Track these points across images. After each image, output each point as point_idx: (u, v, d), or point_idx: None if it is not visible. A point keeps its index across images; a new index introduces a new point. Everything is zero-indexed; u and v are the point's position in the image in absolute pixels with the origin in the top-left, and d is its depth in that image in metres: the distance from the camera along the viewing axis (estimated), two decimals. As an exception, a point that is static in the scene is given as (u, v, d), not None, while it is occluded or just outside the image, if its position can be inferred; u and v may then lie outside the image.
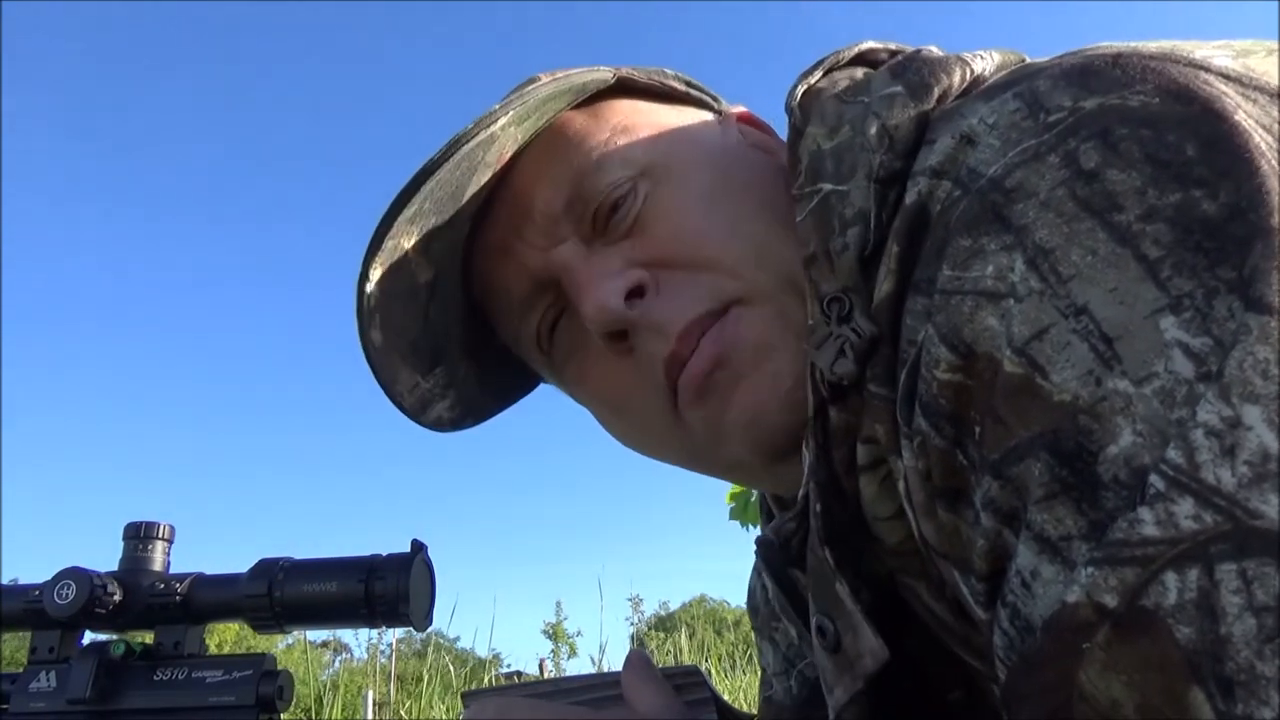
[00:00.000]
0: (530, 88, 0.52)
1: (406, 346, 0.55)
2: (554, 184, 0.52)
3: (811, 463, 0.43)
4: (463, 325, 0.58)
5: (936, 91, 0.41)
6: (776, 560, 0.50)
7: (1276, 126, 0.30)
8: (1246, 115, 0.30)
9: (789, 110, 0.47)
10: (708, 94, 0.61)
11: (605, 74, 0.53)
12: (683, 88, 0.59)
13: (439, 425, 0.61)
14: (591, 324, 0.49)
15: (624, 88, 0.55)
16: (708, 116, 0.59)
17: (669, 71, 0.60)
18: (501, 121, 0.49)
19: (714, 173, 0.52)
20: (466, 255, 0.55)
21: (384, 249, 0.50)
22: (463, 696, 0.56)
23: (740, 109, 0.61)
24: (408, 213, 0.49)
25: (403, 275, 0.52)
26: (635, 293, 0.48)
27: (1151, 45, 0.35)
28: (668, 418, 0.51)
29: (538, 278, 0.53)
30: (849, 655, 0.42)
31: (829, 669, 0.44)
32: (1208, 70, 0.32)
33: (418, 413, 0.59)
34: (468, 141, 0.48)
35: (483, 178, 0.51)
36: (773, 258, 0.48)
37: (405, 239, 0.50)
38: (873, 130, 0.41)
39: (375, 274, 0.50)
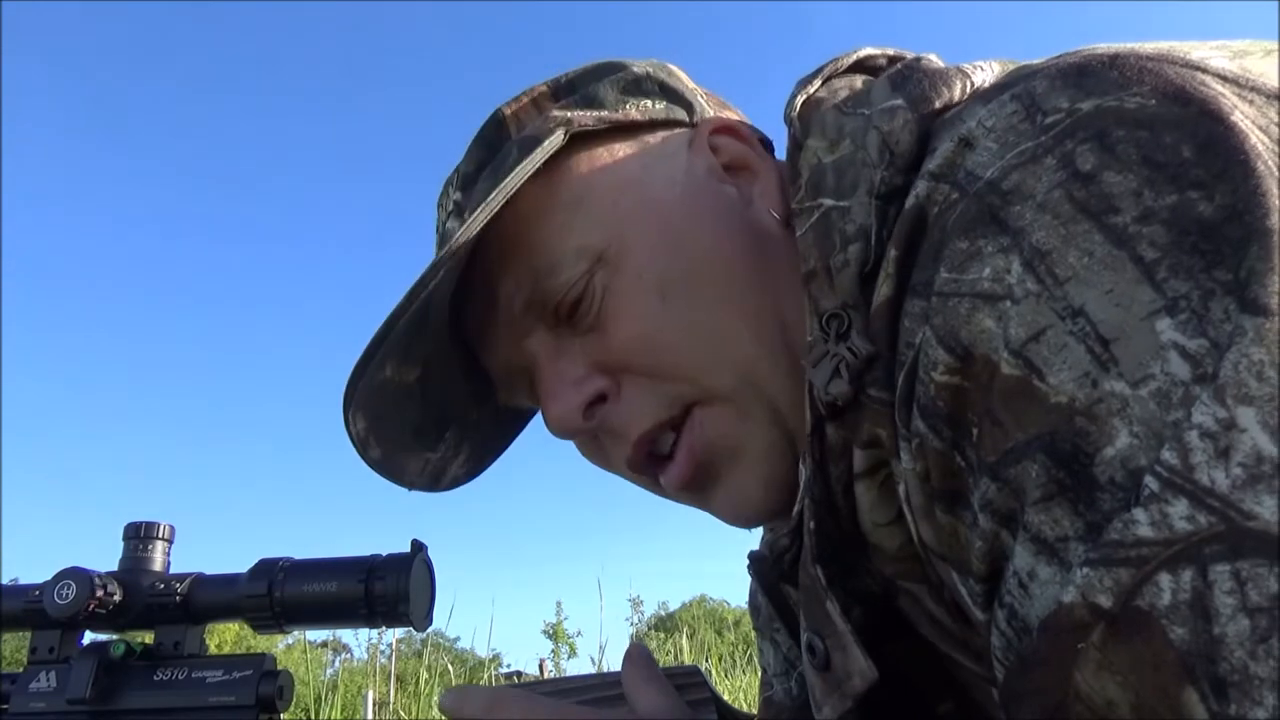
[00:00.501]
0: (483, 176, 0.53)
1: (409, 438, 0.57)
2: (514, 280, 0.52)
3: (807, 479, 0.43)
4: (464, 380, 0.58)
5: (938, 105, 0.41)
6: (768, 575, 0.50)
7: (1273, 128, 0.30)
8: (1243, 116, 0.30)
9: (788, 121, 0.47)
10: (681, 99, 0.56)
11: (555, 139, 0.50)
12: (642, 116, 0.54)
13: (454, 485, 0.62)
14: (554, 433, 0.52)
15: (578, 137, 0.52)
16: (673, 141, 0.55)
17: (636, 71, 0.56)
18: (452, 224, 0.53)
19: (667, 255, 0.49)
20: (455, 318, 0.55)
21: (359, 389, 0.50)
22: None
23: (715, 118, 0.57)
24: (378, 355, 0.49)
25: (386, 394, 0.53)
26: (597, 400, 0.50)
27: (1148, 46, 0.35)
28: (651, 487, 0.54)
29: (514, 363, 0.54)
30: (838, 674, 0.42)
31: (818, 686, 0.44)
32: (1205, 71, 0.32)
33: (432, 486, 0.61)
34: (424, 287, 0.47)
35: (447, 279, 0.49)
36: (729, 354, 0.48)
37: (378, 371, 0.51)
38: (874, 145, 0.41)
39: (357, 413, 0.52)
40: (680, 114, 0.56)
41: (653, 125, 0.55)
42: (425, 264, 0.48)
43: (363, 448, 0.54)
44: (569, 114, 0.53)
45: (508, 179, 0.48)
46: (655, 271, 0.49)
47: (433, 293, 0.48)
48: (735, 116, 0.60)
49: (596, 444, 0.54)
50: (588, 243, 0.50)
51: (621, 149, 0.53)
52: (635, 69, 0.56)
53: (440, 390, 0.56)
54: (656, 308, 0.48)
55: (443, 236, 0.57)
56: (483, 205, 0.47)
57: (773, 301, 0.49)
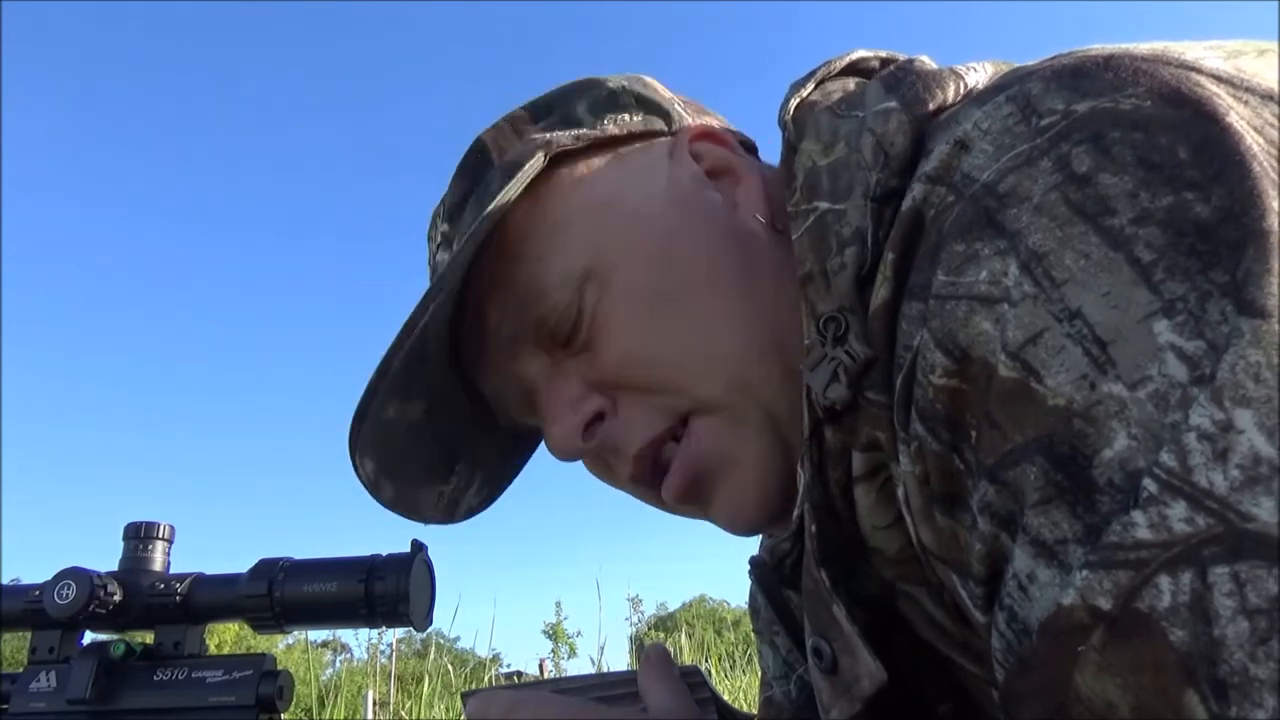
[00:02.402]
0: (469, 205, 0.54)
1: (421, 472, 0.58)
2: (504, 307, 0.52)
3: (807, 483, 0.43)
4: (469, 409, 0.58)
5: (931, 107, 0.41)
6: (770, 581, 0.50)
7: (1268, 128, 0.30)
8: (1239, 117, 0.30)
9: (782, 125, 0.47)
10: (658, 109, 0.56)
11: (536, 162, 0.51)
12: (620, 131, 0.54)
13: (469, 514, 0.63)
14: (557, 456, 0.53)
15: (558, 157, 0.53)
16: (654, 152, 0.55)
17: (611, 86, 0.56)
18: (440, 255, 0.54)
19: (654, 267, 0.50)
20: (454, 347, 0.55)
21: (361, 436, 0.51)
22: (462, 696, 0.56)
23: (694, 124, 0.56)
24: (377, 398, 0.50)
25: (393, 432, 0.53)
26: (595, 419, 0.51)
27: (1143, 47, 0.35)
28: (654, 500, 0.55)
29: (513, 388, 0.55)
30: (846, 678, 0.42)
31: (825, 690, 0.44)
32: (1199, 72, 0.32)
33: (448, 518, 0.61)
34: (415, 325, 0.48)
35: (438, 314, 0.50)
36: (720, 363, 0.48)
37: (381, 413, 0.51)
38: (868, 147, 0.41)
39: (363, 458, 0.53)
40: (658, 124, 0.56)
41: (631, 138, 0.55)
42: (418, 296, 0.49)
43: (374, 489, 0.55)
44: (548, 135, 0.53)
45: (490, 207, 0.48)
46: (642, 287, 0.49)
47: (428, 327, 0.49)
48: (715, 121, 0.59)
49: (602, 462, 0.54)
50: (573, 265, 0.50)
51: (602, 166, 0.54)
52: (610, 84, 0.56)
53: (447, 422, 0.57)
54: (645, 323, 0.49)
55: (434, 269, 0.58)
56: (468, 236, 0.48)
57: (761, 306, 0.49)
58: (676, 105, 0.57)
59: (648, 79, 0.59)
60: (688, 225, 0.51)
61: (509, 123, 0.56)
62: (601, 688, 0.55)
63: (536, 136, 0.54)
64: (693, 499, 0.52)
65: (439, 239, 0.57)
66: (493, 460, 0.62)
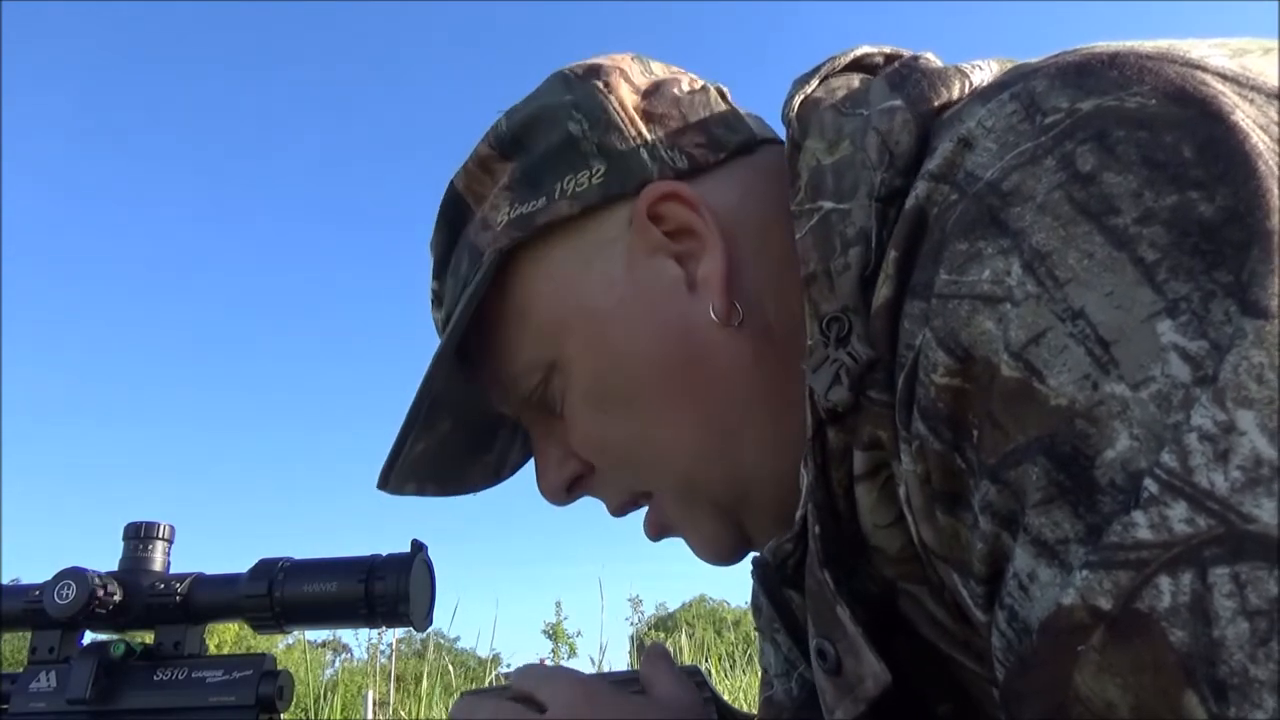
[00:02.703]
0: (449, 270, 0.56)
1: (460, 462, 0.62)
2: (490, 379, 0.56)
3: (810, 483, 0.43)
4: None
5: (936, 105, 0.41)
6: (772, 581, 0.51)
7: (1274, 126, 0.29)
8: (1244, 116, 0.29)
9: (786, 122, 0.47)
10: (620, 161, 0.51)
11: (488, 262, 0.51)
12: (572, 209, 0.50)
13: (514, 470, 0.66)
14: (546, 500, 0.57)
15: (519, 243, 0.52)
16: (612, 224, 0.51)
17: (572, 131, 0.51)
18: (437, 317, 0.59)
19: (606, 367, 0.50)
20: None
21: (392, 479, 0.56)
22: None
23: (656, 186, 0.50)
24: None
25: (424, 458, 0.57)
26: (576, 479, 0.56)
27: (1148, 45, 0.35)
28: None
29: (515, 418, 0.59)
30: (850, 679, 0.42)
31: (829, 691, 0.44)
32: (1205, 70, 0.32)
33: (495, 480, 0.65)
34: (412, 425, 0.54)
35: (443, 376, 0.53)
36: (667, 459, 0.51)
37: (412, 448, 0.55)
38: (873, 146, 0.41)
39: (405, 484, 0.58)
40: (615, 187, 0.50)
41: (586, 214, 0.51)
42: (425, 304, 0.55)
43: (418, 494, 0.60)
44: (504, 214, 0.52)
45: (455, 315, 0.51)
46: (593, 387, 0.51)
47: (433, 396, 0.53)
48: (695, 133, 0.53)
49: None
50: (536, 357, 0.53)
51: (559, 246, 0.52)
52: (570, 126, 0.51)
53: (478, 414, 0.59)
54: (599, 419, 0.52)
55: (434, 320, 0.61)
56: (444, 335, 0.52)
57: (708, 408, 0.49)
58: (641, 141, 0.51)
59: (611, 102, 0.52)
60: (639, 323, 0.50)
61: (477, 164, 0.55)
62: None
63: (497, 210, 0.53)
64: (670, 535, 0.56)
65: (431, 294, 0.60)
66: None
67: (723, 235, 0.49)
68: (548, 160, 0.52)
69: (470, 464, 0.63)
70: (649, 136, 0.51)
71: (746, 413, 0.49)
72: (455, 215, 0.56)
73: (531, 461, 0.62)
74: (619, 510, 0.57)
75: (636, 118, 0.52)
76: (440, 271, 0.57)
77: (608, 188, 0.50)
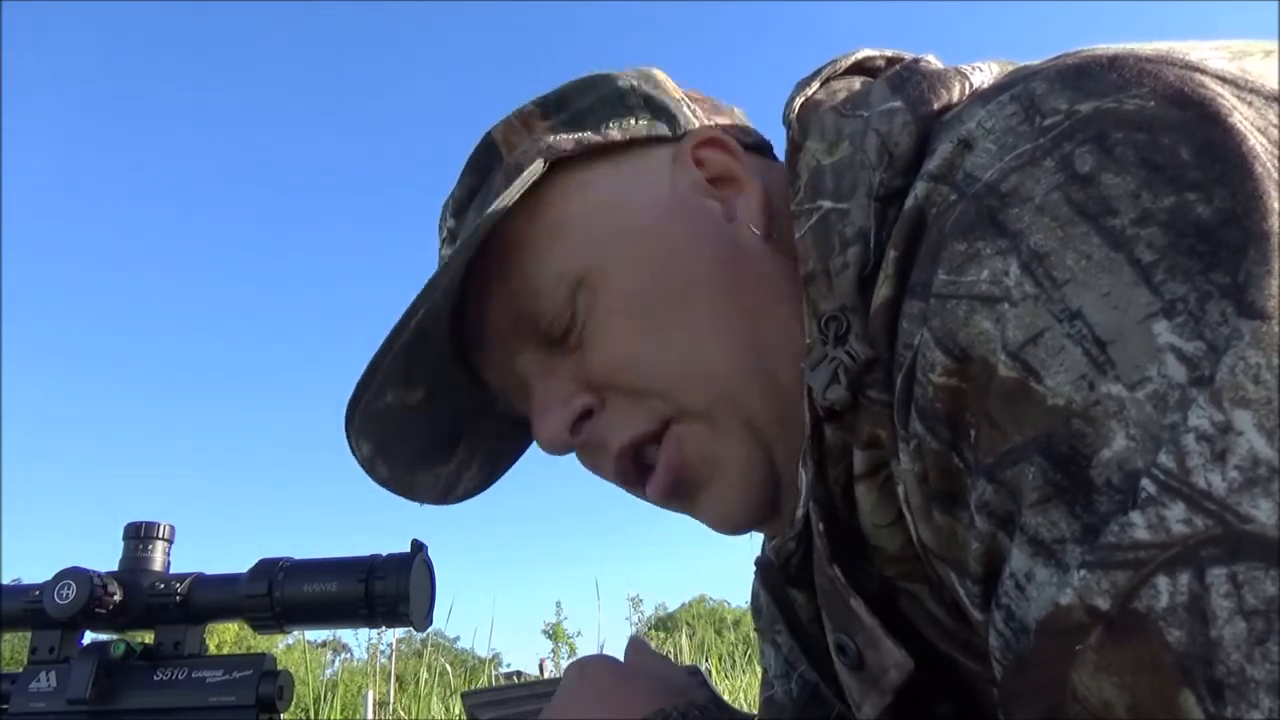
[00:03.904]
0: (473, 205, 0.55)
1: (416, 457, 0.59)
2: (500, 307, 0.54)
3: (810, 482, 0.43)
4: (470, 394, 0.59)
5: (936, 107, 0.41)
6: (775, 581, 0.51)
7: (1272, 129, 0.30)
8: (1243, 118, 0.30)
9: (786, 123, 0.47)
10: (665, 112, 0.56)
11: (535, 167, 0.51)
12: (622, 136, 0.54)
13: (466, 496, 0.63)
14: (544, 450, 0.54)
15: (557, 163, 0.53)
16: (655, 158, 0.54)
17: (621, 85, 0.56)
18: (445, 250, 0.55)
19: (647, 276, 0.50)
20: (455, 334, 0.56)
21: (358, 412, 0.52)
22: (463, 696, 0.56)
23: (701, 129, 0.55)
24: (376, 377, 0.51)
25: (389, 418, 0.54)
26: (584, 415, 0.52)
27: (1148, 47, 0.35)
28: (645, 497, 0.55)
29: (509, 380, 0.56)
30: (873, 670, 0.42)
31: (854, 687, 0.44)
32: (1204, 73, 0.32)
33: (444, 499, 0.62)
34: (415, 313, 0.49)
35: (433, 314, 0.51)
36: (704, 372, 0.49)
37: (380, 396, 0.53)
38: (873, 147, 0.41)
39: (360, 438, 0.54)
40: (663, 129, 0.55)
41: (634, 144, 0.54)
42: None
43: (369, 468, 0.56)
44: (551, 139, 0.54)
45: (487, 211, 0.49)
46: (632, 295, 0.50)
47: (424, 321, 0.50)
48: (727, 120, 0.59)
49: (591, 456, 0.56)
50: (567, 269, 0.51)
51: (602, 172, 0.54)
52: (620, 83, 0.56)
53: (448, 406, 0.58)
54: (634, 330, 0.50)
55: (441, 262, 0.58)
56: (464, 241, 0.49)
57: (750, 322, 0.49)
58: (685, 106, 0.57)
59: (659, 75, 0.59)
60: (682, 237, 0.51)
61: (519, 118, 0.57)
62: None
63: (542, 137, 0.54)
64: (677, 498, 0.53)
65: (445, 234, 0.58)
66: (492, 442, 0.63)
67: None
68: (594, 108, 0.55)
69: (423, 466, 0.60)
70: (690, 101, 0.57)
71: (785, 327, 0.48)
72: (486, 161, 0.56)
73: (504, 473, 0.63)
74: (629, 446, 0.51)
75: (680, 93, 0.58)
76: (460, 211, 0.56)
77: (654, 129, 0.55)
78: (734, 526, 0.53)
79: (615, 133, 0.54)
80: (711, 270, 0.50)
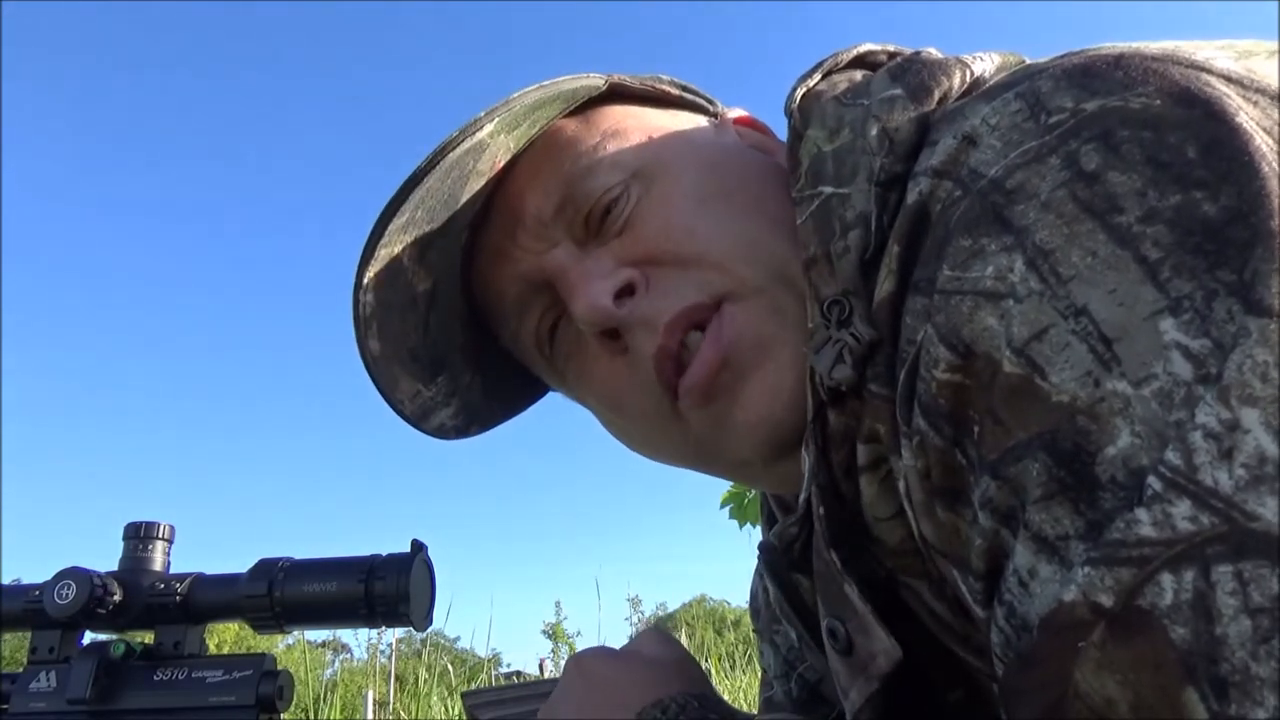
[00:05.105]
0: (517, 94, 0.51)
1: (406, 355, 0.56)
2: (545, 190, 0.52)
3: (812, 465, 0.43)
4: (465, 333, 0.58)
5: (936, 94, 0.41)
6: (779, 565, 0.51)
7: (1277, 129, 0.30)
8: (1248, 118, 0.30)
9: (788, 113, 0.48)
10: (703, 97, 0.61)
11: (597, 81, 0.54)
12: (676, 92, 0.59)
13: (442, 433, 0.61)
14: (583, 324, 0.50)
15: (616, 94, 0.56)
16: (702, 120, 0.59)
17: (664, 77, 0.60)
18: (488, 128, 0.49)
19: (705, 172, 0.52)
20: (465, 262, 0.56)
21: (377, 257, 0.50)
22: (463, 696, 0.56)
23: (738, 112, 0.61)
24: (399, 221, 0.49)
25: (399, 284, 0.52)
26: (626, 291, 0.49)
27: (1154, 46, 0.35)
28: (666, 416, 0.51)
29: (533, 280, 0.53)
30: (862, 657, 0.42)
31: (842, 672, 0.44)
32: (1210, 72, 0.32)
33: (419, 420, 0.59)
34: (454, 148, 0.49)
35: (475, 185, 0.51)
36: (763, 253, 0.48)
37: (400, 248, 0.51)
38: (873, 133, 0.41)
39: (370, 283, 0.51)
40: (704, 103, 0.61)
41: (683, 103, 0.60)
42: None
43: (366, 330, 0.53)
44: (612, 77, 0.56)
45: (568, 88, 0.51)
46: (691, 184, 0.51)
47: (462, 183, 0.50)
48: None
49: (619, 358, 0.51)
50: (626, 159, 0.52)
51: (655, 112, 0.57)
52: (660, 75, 0.60)
53: (440, 326, 0.56)
54: (692, 205, 0.50)
55: (476, 144, 0.51)
56: (530, 118, 0.50)
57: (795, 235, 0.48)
58: (717, 103, 0.62)
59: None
60: (737, 154, 0.55)
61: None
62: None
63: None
64: (713, 394, 0.48)
65: (479, 141, 0.51)
66: (472, 396, 0.61)
67: None
68: (639, 80, 0.58)
69: (407, 370, 0.56)
70: (721, 104, 0.63)
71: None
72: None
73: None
74: (682, 318, 0.48)
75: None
76: (508, 128, 0.52)
77: (695, 105, 0.60)
78: (773, 426, 0.47)
79: (668, 86, 0.59)
80: (766, 188, 0.52)
